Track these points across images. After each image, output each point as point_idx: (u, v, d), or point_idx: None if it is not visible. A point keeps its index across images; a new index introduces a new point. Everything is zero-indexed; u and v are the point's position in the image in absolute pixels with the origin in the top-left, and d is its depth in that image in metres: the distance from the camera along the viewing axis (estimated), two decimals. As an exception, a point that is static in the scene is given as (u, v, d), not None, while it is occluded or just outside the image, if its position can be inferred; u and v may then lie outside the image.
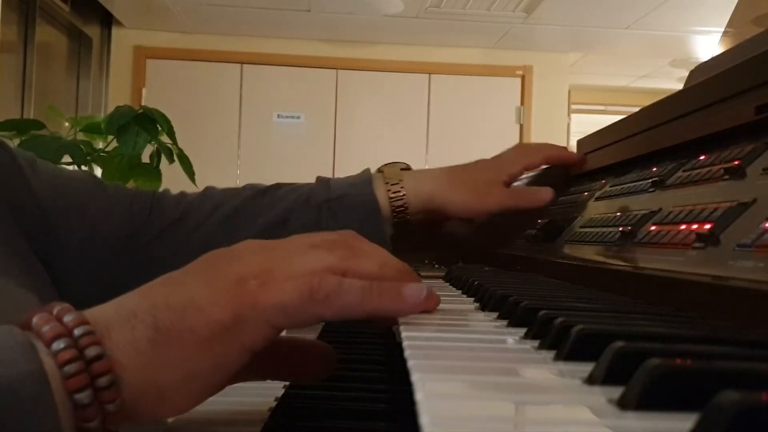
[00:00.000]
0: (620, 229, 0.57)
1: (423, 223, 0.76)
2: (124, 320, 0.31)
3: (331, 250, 0.35)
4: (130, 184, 1.93)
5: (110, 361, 0.30)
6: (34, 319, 0.30)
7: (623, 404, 0.22)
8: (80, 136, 1.97)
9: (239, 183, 3.50)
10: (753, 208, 0.42)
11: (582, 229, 0.69)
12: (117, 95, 3.71)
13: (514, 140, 3.99)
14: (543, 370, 0.30)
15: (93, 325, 0.30)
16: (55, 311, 0.31)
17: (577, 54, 4.20)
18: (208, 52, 3.84)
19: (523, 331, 0.36)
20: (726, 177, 0.48)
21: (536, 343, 0.33)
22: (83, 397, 0.29)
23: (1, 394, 0.27)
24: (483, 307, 0.47)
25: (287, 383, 0.46)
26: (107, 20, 3.76)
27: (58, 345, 0.29)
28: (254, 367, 0.35)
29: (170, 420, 0.38)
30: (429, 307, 0.37)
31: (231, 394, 0.45)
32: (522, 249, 0.85)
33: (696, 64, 0.81)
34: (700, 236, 0.44)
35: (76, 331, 0.30)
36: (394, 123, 3.93)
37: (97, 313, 0.32)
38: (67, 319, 0.30)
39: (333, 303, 0.33)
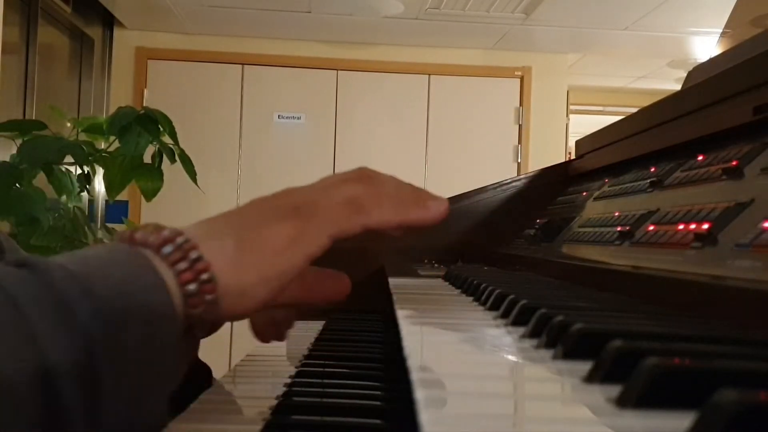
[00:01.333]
0: (618, 229, 0.57)
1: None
2: (212, 234, 0.38)
3: (357, 181, 0.43)
4: (132, 184, 1.94)
5: (207, 261, 0.36)
6: (137, 235, 0.36)
7: (622, 403, 0.22)
8: (82, 137, 1.97)
9: (240, 183, 3.49)
10: (751, 208, 0.42)
11: (580, 229, 0.70)
12: (119, 96, 3.71)
13: (513, 140, 3.99)
14: (542, 369, 0.30)
15: (187, 236, 0.37)
16: (151, 227, 0.37)
17: (576, 55, 4.19)
18: (210, 53, 3.84)
19: (521, 329, 0.36)
20: (724, 177, 0.48)
21: (535, 341, 0.33)
22: (192, 287, 0.35)
23: (128, 283, 0.33)
24: (482, 306, 0.47)
25: (288, 382, 0.46)
26: (109, 21, 3.76)
27: (168, 249, 0.36)
28: (289, 290, 0.42)
29: (172, 421, 0.38)
30: (446, 213, 0.45)
31: (234, 392, 0.45)
32: (521, 248, 0.85)
33: (694, 65, 0.81)
34: (698, 236, 0.44)
35: (178, 240, 0.36)
36: (394, 123, 3.93)
37: (186, 229, 0.38)
38: (166, 232, 0.36)
39: (374, 216, 0.42)
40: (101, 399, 0.30)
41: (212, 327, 0.43)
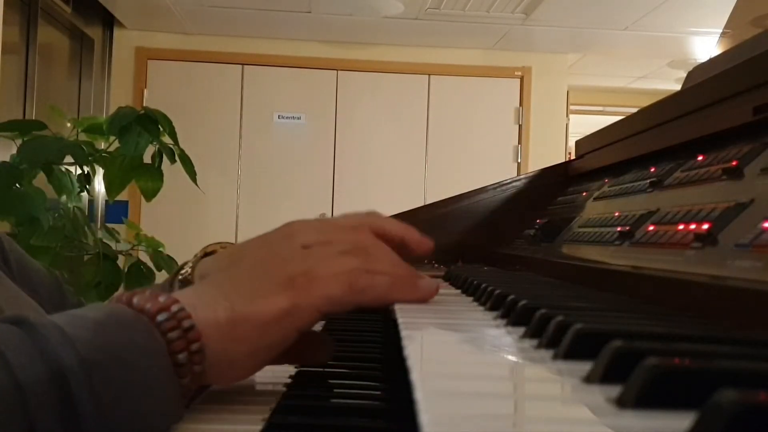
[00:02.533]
0: (618, 229, 0.57)
1: None
2: (206, 303, 0.39)
3: (356, 255, 0.44)
4: (132, 184, 1.94)
5: (199, 332, 0.37)
6: (135, 300, 0.37)
7: (621, 403, 0.22)
8: (82, 137, 1.97)
9: (240, 183, 3.48)
10: (751, 208, 0.42)
11: (580, 229, 0.70)
12: (119, 96, 3.71)
13: (513, 140, 3.99)
14: (542, 369, 0.30)
15: (182, 304, 0.37)
16: (148, 293, 0.37)
17: (576, 55, 4.19)
18: (210, 53, 3.84)
19: (521, 330, 0.36)
20: (724, 177, 0.48)
21: (535, 342, 0.33)
22: (181, 357, 0.36)
23: (127, 350, 0.33)
24: (482, 306, 0.47)
25: (288, 382, 0.46)
26: (109, 21, 3.76)
27: (162, 317, 0.36)
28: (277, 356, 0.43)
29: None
30: (435, 295, 0.47)
31: (233, 392, 0.45)
32: (521, 248, 0.85)
33: (694, 65, 0.81)
34: (698, 236, 0.44)
35: (173, 308, 0.37)
36: (393, 123, 3.93)
37: (180, 296, 0.38)
38: (162, 299, 0.37)
39: (368, 294, 0.43)
40: None
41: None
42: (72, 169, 1.93)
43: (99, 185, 2.63)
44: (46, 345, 0.31)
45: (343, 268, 0.42)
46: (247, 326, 0.39)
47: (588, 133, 0.94)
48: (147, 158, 1.93)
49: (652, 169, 0.64)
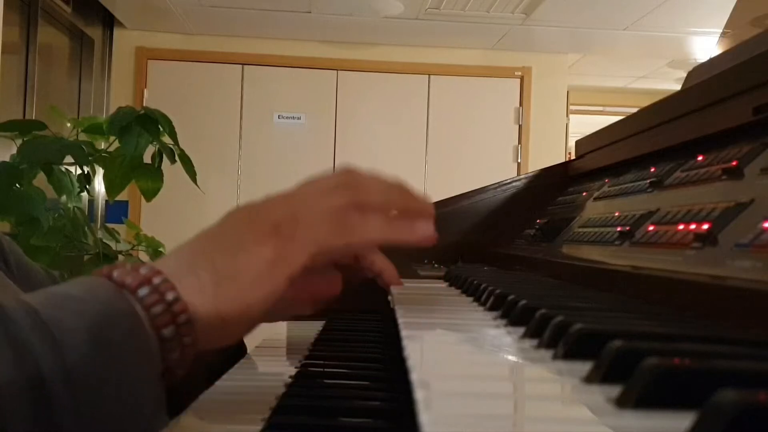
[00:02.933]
0: (618, 229, 0.57)
1: None
2: (187, 269, 0.36)
3: (341, 191, 0.41)
4: (132, 184, 1.94)
5: (184, 302, 0.35)
6: (115, 273, 0.35)
7: (621, 403, 0.22)
8: (82, 137, 1.97)
9: (240, 183, 3.49)
10: (751, 208, 0.42)
11: (580, 229, 0.70)
12: (119, 96, 3.71)
13: (513, 141, 3.99)
14: (542, 369, 0.30)
15: (165, 275, 0.35)
16: (128, 266, 0.35)
17: (576, 55, 4.19)
18: (210, 53, 3.84)
19: (521, 330, 0.36)
20: (724, 177, 0.48)
21: (535, 342, 0.33)
22: (167, 332, 0.34)
23: (103, 327, 0.31)
24: (482, 306, 0.47)
25: (288, 382, 0.46)
26: (109, 21, 3.76)
27: (143, 291, 0.34)
28: (282, 304, 0.40)
29: (172, 421, 0.38)
30: (433, 238, 0.44)
31: (233, 392, 0.45)
32: (521, 248, 0.85)
33: (694, 65, 0.81)
34: (698, 236, 0.44)
35: (155, 280, 0.35)
36: (393, 124, 3.93)
37: (162, 265, 0.36)
38: (143, 271, 0.35)
39: (357, 233, 0.40)
40: None
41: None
42: (72, 169, 1.93)
43: (99, 185, 2.63)
44: (19, 332, 0.29)
45: (330, 206, 0.40)
46: (233, 285, 0.37)
47: (588, 133, 0.94)
48: (147, 158, 1.93)
49: (652, 169, 0.64)
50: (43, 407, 0.28)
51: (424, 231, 0.43)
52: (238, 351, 0.58)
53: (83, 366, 0.30)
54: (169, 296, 0.35)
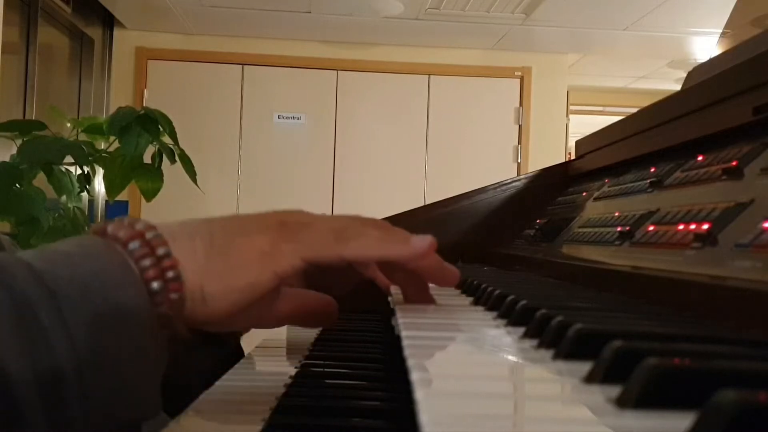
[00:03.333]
0: (618, 229, 0.57)
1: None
2: (186, 233, 0.37)
3: (352, 218, 0.44)
4: (132, 184, 1.94)
5: (175, 258, 0.35)
6: (109, 228, 0.36)
7: (622, 403, 0.22)
8: (82, 137, 1.97)
9: (240, 183, 3.48)
10: (751, 209, 0.42)
11: (580, 229, 0.70)
12: (119, 96, 3.71)
13: (513, 140, 3.99)
14: (542, 369, 0.30)
15: (159, 231, 0.36)
16: (126, 221, 0.36)
17: (576, 55, 4.19)
18: (210, 53, 3.84)
19: (521, 330, 0.36)
20: (724, 177, 0.48)
21: (535, 342, 0.33)
22: (156, 285, 0.35)
23: (94, 278, 0.32)
24: (482, 306, 0.47)
25: (288, 382, 0.46)
26: (109, 21, 3.76)
27: (134, 245, 0.35)
28: (272, 312, 0.42)
29: (172, 421, 0.38)
30: (431, 254, 0.44)
31: (233, 392, 0.45)
32: (521, 248, 0.85)
33: (694, 65, 0.81)
34: (698, 236, 0.44)
35: (147, 235, 0.35)
36: (394, 124, 3.93)
37: (162, 226, 0.37)
38: (139, 225, 0.36)
39: (353, 245, 0.41)
40: (66, 405, 0.29)
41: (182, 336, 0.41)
42: (72, 169, 1.93)
43: (99, 185, 2.63)
44: (13, 281, 0.30)
45: (335, 225, 0.41)
46: (223, 261, 0.37)
47: (588, 133, 0.94)
48: (147, 158, 1.93)
49: (652, 169, 0.64)
50: (45, 353, 0.29)
51: (420, 244, 0.43)
52: (235, 354, 0.57)
53: (80, 319, 0.30)
54: (160, 251, 0.35)
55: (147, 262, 0.35)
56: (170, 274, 0.35)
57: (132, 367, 0.32)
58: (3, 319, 0.28)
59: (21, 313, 0.29)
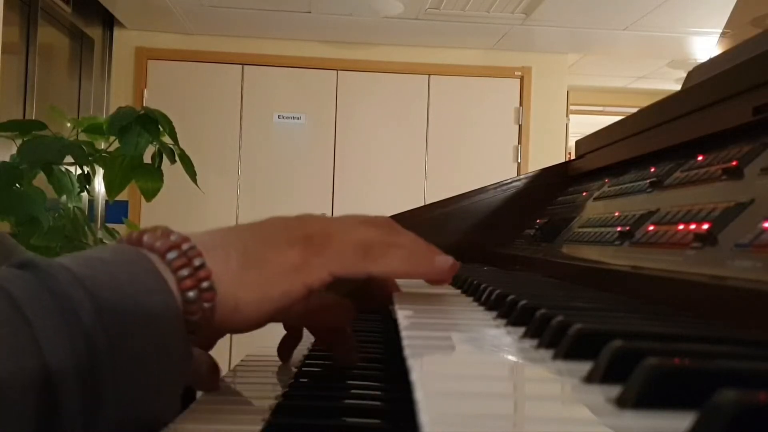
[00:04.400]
0: (618, 229, 0.57)
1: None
2: (218, 245, 0.39)
3: (377, 227, 0.44)
4: (132, 184, 1.94)
5: (209, 269, 0.37)
6: (145, 238, 0.37)
7: (621, 403, 0.22)
8: (82, 137, 1.97)
9: (240, 183, 3.48)
10: (751, 208, 0.42)
11: (580, 229, 0.70)
12: (119, 96, 3.71)
13: (513, 140, 3.99)
14: (542, 369, 0.30)
15: (193, 243, 0.37)
16: (159, 231, 0.37)
17: (576, 55, 4.19)
18: (209, 53, 3.84)
19: (521, 330, 0.36)
20: (724, 177, 0.48)
21: (535, 342, 0.33)
22: (191, 294, 0.36)
23: (133, 286, 0.33)
24: (482, 306, 0.47)
25: (288, 382, 0.46)
26: (109, 21, 3.76)
27: (172, 255, 0.36)
28: (295, 313, 0.43)
29: (172, 421, 0.38)
30: (453, 273, 0.46)
31: (233, 392, 0.45)
32: (521, 248, 0.85)
33: (694, 65, 0.81)
34: (698, 236, 0.44)
35: (184, 246, 0.37)
36: (393, 123, 3.93)
37: (194, 237, 0.38)
38: (173, 237, 0.37)
39: (380, 262, 0.42)
40: (102, 403, 0.30)
41: (206, 340, 0.43)
42: (72, 169, 1.93)
43: (99, 185, 2.63)
44: (56, 285, 0.31)
45: (362, 236, 0.42)
46: (257, 273, 0.39)
47: (588, 133, 0.94)
48: (147, 158, 1.93)
49: (652, 169, 0.64)
50: (86, 352, 0.30)
51: (443, 265, 0.45)
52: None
53: (118, 320, 0.31)
54: (196, 262, 0.37)
55: (185, 272, 0.36)
56: (205, 284, 0.37)
57: (159, 372, 0.34)
58: (47, 317, 0.29)
59: (64, 314, 0.30)
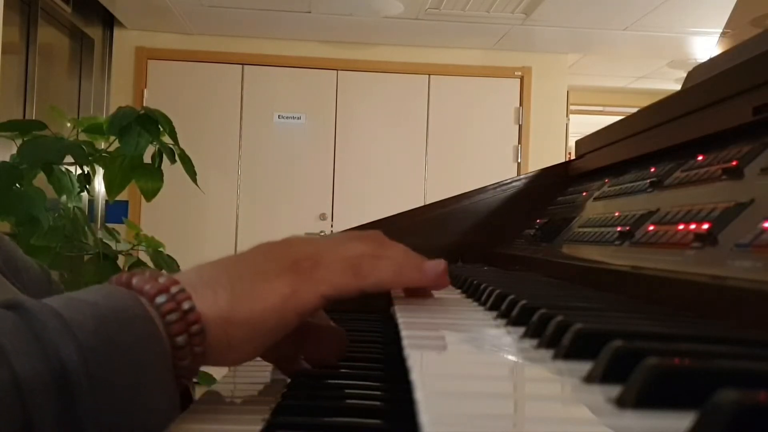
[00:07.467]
0: (618, 229, 0.57)
1: None
2: (206, 284, 0.38)
3: (365, 242, 0.44)
4: (132, 184, 1.94)
5: (198, 312, 0.36)
6: (134, 280, 0.37)
7: (621, 403, 0.22)
8: (82, 137, 1.97)
9: (240, 183, 3.48)
10: (751, 208, 0.42)
11: (580, 229, 0.70)
12: (119, 96, 3.71)
13: (513, 140, 3.99)
14: (541, 369, 0.30)
15: (182, 285, 0.37)
16: (147, 275, 0.37)
17: (576, 55, 4.19)
18: (210, 53, 3.84)
19: (521, 330, 0.36)
20: (724, 177, 0.48)
21: (535, 341, 0.33)
22: (180, 339, 0.36)
23: (122, 331, 0.33)
24: (482, 306, 0.47)
25: (288, 382, 0.46)
26: (109, 21, 3.76)
27: (161, 299, 0.36)
28: (284, 346, 0.43)
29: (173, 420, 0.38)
30: (444, 280, 0.46)
31: (233, 393, 0.45)
32: (521, 248, 0.85)
33: (694, 65, 0.81)
34: (698, 236, 0.44)
35: (172, 289, 0.36)
36: (393, 124, 3.93)
37: (182, 277, 0.38)
38: (162, 280, 0.37)
39: (370, 278, 0.42)
40: None
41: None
42: (72, 169, 1.93)
43: (99, 185, 2.63)
44: (43, 331, 0.30)
45: (349, 253, 0.42)
46: (248, 310, 0.38)
47: (588, 133, 0.94)
48: (147, 158, 1.93)
49: (652, 169, 0.64)
50: (66, 401, 0.30)
51: (433, 270, 0.45)
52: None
53: (103, 367, 0.31)
54: (185, 305, 0.36)
55: (173, 317, 0.36)
56: (194, 328, 0.36)
57: (143, 419, 0.33)
58: (31, 363, 0.29)
59: (49, 361, 0.30)
